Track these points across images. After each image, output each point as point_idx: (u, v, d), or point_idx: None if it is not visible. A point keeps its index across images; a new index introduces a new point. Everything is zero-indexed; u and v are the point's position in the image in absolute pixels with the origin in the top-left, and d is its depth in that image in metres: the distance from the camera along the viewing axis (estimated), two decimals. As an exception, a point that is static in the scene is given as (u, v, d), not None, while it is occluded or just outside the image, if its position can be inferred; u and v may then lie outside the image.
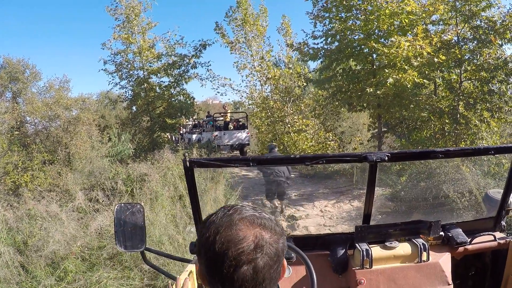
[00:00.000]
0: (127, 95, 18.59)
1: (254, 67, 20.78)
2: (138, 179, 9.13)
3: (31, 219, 7.50)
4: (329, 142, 17.21)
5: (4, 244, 6.58)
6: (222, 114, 21.79)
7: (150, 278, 6.16)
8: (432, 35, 12.85)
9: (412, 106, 13.11)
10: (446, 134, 13.19)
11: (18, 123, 18.13)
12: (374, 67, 13.95)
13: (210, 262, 1.13)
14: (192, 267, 2.49)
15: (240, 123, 20.90)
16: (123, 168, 10.66)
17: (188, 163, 2.30)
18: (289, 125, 18.38)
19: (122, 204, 2.70)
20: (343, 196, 11.68)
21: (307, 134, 17.87)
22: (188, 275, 2.40)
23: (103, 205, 7.51)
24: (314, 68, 20.07)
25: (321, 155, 2.40)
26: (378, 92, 12.62)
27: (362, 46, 13.73)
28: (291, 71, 19.69)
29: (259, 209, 1.21)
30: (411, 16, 12.57)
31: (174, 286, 2.08)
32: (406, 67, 12.29)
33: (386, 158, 2.21)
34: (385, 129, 15.57)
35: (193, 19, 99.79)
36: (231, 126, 20.22)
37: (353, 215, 10.21)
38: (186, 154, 2.55)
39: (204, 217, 2.47)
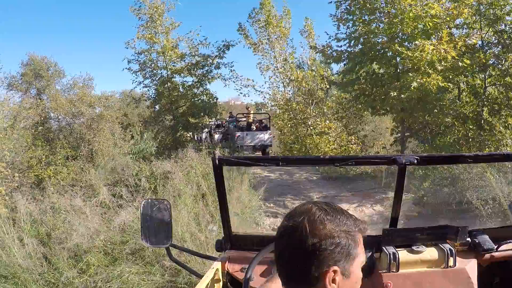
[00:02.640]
0: (150, 94, 18.68)
1: (277, 69, 20.73)
2: (162, 177, 9.16)
3: (55, 212, 7.58)
4: (351, 146, 17.03)
5: (28, 235, 6.65)
6: (245, 114, 21.71)
7: (171, 274, 6.15)
8: (456, 39, 12.61)
9: (436, 111, 12.96)
10: (470, 140, 12.94)
11: (42, 119, 18.36)
12: (398, 70, 13.77)
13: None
14: (218, 265, 2.48)
15: (263, 124, 20.80)
16: (146, 165, 10.70)
17: (217, 160, 2.30)
18: (311, 128, 18.27)
19: (149, 200, 2.71)
20: (365, 200, 11.52)
21: (329, 137, 17.73)
22: (214, 272, 2.41)
23: (126, 201, 7.53)
24: (337, 71, 19.95)
25: (350, 156, 2.39)
26: (402, 96, 12.49)
27: (386, 49, 13.57)
28: (314, 73, 19.59)
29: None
30: (435, 20, 12.38)
31: (200, 284, 2.09)
32: (430, 71, 12.10)
33: (416, 161, 2.18)
34: (408, 134, 15.34)
35: (216, 19, 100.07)
36: (253, 127, 20.13)
37: (375, 219, 10.08)
38: (216, 152, 2.54)
39: (230, 215, 2.62)
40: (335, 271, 1.13)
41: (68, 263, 6.15)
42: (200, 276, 2.61)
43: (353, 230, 1.19)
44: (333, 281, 1.13)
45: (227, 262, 2.55)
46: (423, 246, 2.39)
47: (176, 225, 6.75)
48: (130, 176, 9.27)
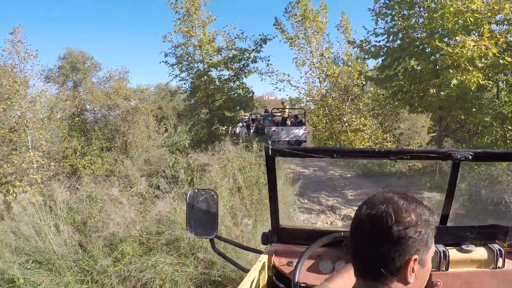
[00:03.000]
0: (186, 87, 18.71)
1: (313, 64, 20.53)
2: (199, 169, 9.11)
3: (91, 201, 7.60)
4: (386, 144, 16.71)
5: (64, 223, 6.67)
6: (280, 109, 21.62)
7: (205, 266, 6.11)
8: (497, 35, 12.16)
9: (474, 110, 12.60)
10: (508, 141, 12.54)
11: (79, 110, 18.65)
12: (437, 67, 13.42)
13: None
14: (264, 258, 2.40)
15: (298, 119, 20.63)
16: (183, 157, 10.68)
17: (270, 151, 2.27)
18: (346, 124, 18.02)
19: (196, 190, 2.67)
20: None
21: (364, 134, 17.50)
22: (261, 266, 2.34)
23: (162, 192, 7.49)
24: (374, 66, 19.63)
25: (405, 150, 2.32)
26: (442, 93, 12.18)
27: (425, 45, 13.27)
28: (350, 69, 19.32)
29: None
30: (476, 15, 12.02)
31: (248, 277, 2.06)
32: (470, 68, 11.73)
33: (470, 157, 2.11)
34: (445, 133, 14.94)
35: (251, 13, 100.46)
36: (288, 122, 20.01)
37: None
38: (270, 142, 2.49)
39: (280, 207, 2.55)
40: (415, 260, 1.13)
41: (103, 251, 6.16)
42: (243, 269, 2.65)
43: (430, 220, 1.18)
44: (413, 270, 1.13)
45: (273, 255, 2.47)
46: (473, 246, 2.33)
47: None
48: (166, 167, 9.23)
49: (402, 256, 1.11)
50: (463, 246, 2.30)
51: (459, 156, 2.10)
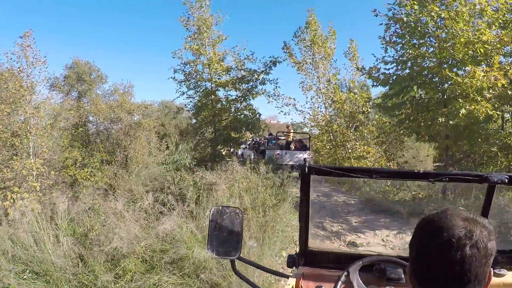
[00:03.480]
0: (192, 105, 18.59)
1: (320, 89, 20.51)
2: (205, 187, 8.94)
3: (93, 214, 7.42)
4: (389, 172, 16.56)
5: (64, 234, 6.48)
6: (285, 133, 21.57)
7: None
8: (506, 67, 12.14)
9: (480, 140, 12.60)
10: (513, 171, 12.39)
11: (82, 121, 18.54)
12: (445, 96, 13.37)
13: (421, 249, 1.19)
14: (292, 282, 2.33)
15: (303, 144, 20.56)
16: (189, 175, 10.53)
17: (306, 168, 2.26)
18: (350, 151, 17.90)
19: (220, 207, 2.60)
20: (405, 227, 11.13)
21: (367, 161, 17.37)
22: None
23: (168, 209, 7.30)
24: (375, 95, 19.67)
25: (444, 172, 2.36)
26: (451, 122, 12.09)
27: (434, 75, 13.23)
28: (356, 96, 19.31)
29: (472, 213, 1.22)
30: (486, 46, 11.94)
31: None
32: (479, 98, 11.67)
33: (506, 180, 2.12)
34: (451, 162, 14.84)
35: (261, 36, 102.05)
36: (292, 146, 19.94)
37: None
38: (306, 159, 2.54)
39: (310, 227, 2.52)
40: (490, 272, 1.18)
41: (105, 266, 5.94)
42: None
43: None
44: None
45: (301, 279, 2.37)
46: (505, 270, 2.33)
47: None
48: (171, 184, 9.07)
49: (488, 269, 1.16)
50: (495, 270, 2.26)
51: (495, 179, 2.11)
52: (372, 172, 2.31)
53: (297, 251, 2.63)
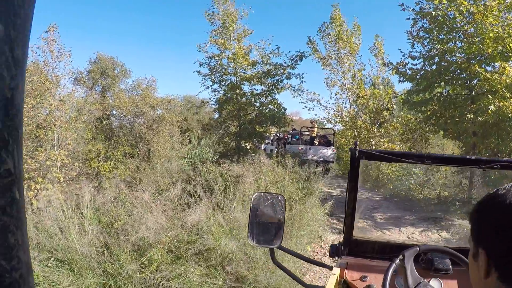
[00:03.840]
0: (217, 99, 18.48)
1: (345, 85, 20.25)
2: (232, 180, 8.83)
3: (119, 204, 7.35)
4: (414, 169, 16.24)
5: (89, 223, 6.41)
6: (309, 128, 21.39)
7: (233, 280, 5.83)
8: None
9: (509, 137, 12.43)
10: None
11: (105, 115, 18.61)
12: (472, 93, 13.13)
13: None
14: (337, 272, 2.28)
15: (327, 139, 20.37)
16: (215, 167, 10.45)
17: (357, 153, 2.27)
18: (374, 147, 17.59)
19: (262, 193, 2.56)
20: (430, 225, 10.95)
21: (390, 162, 17.02)
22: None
23: (195, 200, 7.20)
24: (399, 92, 19.29)
25: (496, 159, 2.25)
26: (480, 118, 11.80)
27: (462, 70, 12.99)
28: (381, 92, 18.99)
29: None
30: (516, 41, 11.59)
31: None
32: (508, 94, 11.33)
33: None
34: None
35: (285, 31, 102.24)
36: (316, 141, 19.76)
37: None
38: (357, 142, 2.45)
39: (356, 215, 2.51)
40: None
41: (131, 255, 5.84)
42: (302, 284, 2.47)
43: None
44: None
45: (346, 269, 2.34)
46: None
47: (245, 229, 6.37)
48: (197, 175, 8.98)
49: None
50: None
51: None
52: (424, 157, 2.25)
53: (340, 241, 2.59)
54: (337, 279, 2.21)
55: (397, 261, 2.02)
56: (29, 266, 0.47)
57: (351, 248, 2.50)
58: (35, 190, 10.18)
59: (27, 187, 10.31)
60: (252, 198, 2.42)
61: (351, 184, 2.37)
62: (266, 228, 2.38)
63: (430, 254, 2.20)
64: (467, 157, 2.32)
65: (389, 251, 2.25)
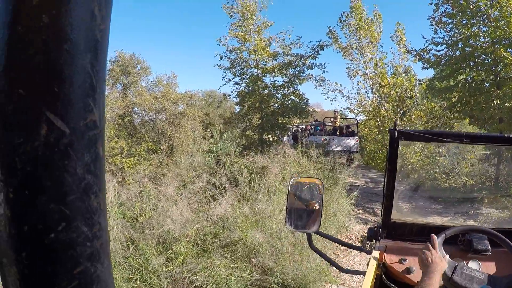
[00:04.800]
0: (239, 92, 18.46)
1: (367, 74, 20.02)
2: (257, 171, 8.77)
3: (144, 198, 7.34)
4: (438, 158, 15.95)
5: (114, 218, 6.40)
6: (332, 119, 21.29)
7: (260, 272, 5.79)
8: None
9: None
10: None
11: (127, 112, 18.72)
12: (498, 78, 12.84)
13: None
14: (376, 254, 2.29)
15: (350, 129, 20.24)
16: (240, 159, 10.42)
17: (396, 133, 2.27)
18: (398, 137, 17.35)
19: (299, 178, 2.58)
20: (457, 214, 10.76)
21: (415, 148, 16.75)
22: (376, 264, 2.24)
23: (220, 192, 7.15)
24: (426, 78, 19.00)
25: None
26: (506, 104, 11.51)
27: (487, 55, 12.76)
28: (404, 80, 18.72)
29: None
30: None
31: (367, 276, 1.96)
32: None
33: None
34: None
35: (305, 22, 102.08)
36: (338, 132, 19.67)
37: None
38: (396, 122, 2.50)
39: (395, 197, 2.50)
40: None
41: (156, 249, 5.82)
42: (340, 268, 2.54)
43: None
44: None
45: (384, 252, 2.33)
46: None
47: (271, 221, 6.32)
48: (222, 168, 8.95)
49: None
50: None
51: None
52: (462, 137, 2.24)
53: (379, 223, 2.57)
54: (376, 262, 2.20)
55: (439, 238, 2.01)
56: (107, 235, 0.45)
57: (389, 231, 2.51)
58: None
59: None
60: (290, 183, 2.42)
61: (390, 166, 2.36)
62: (304, 213, 2.39)
63: (469, 235, 2.17)
64: (506, 135, 2.27)
65: (428, 233, 2.15)
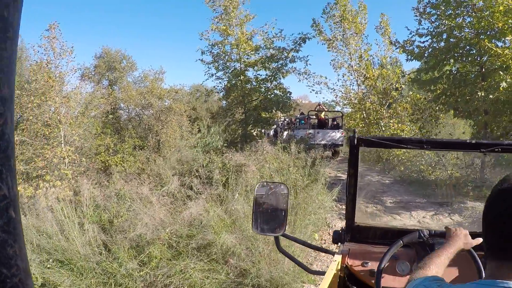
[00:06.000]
0: (222, 86, 18.40)
1: (352, 66, 19.95)
2: (234, 169, 8.72)
3: (120, 199, 7.28)
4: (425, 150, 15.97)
5: (89, 221, 6.35)
6: (317, 111, 21.23)
7: (237, 274, 5.75)
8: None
9: None
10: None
11: (113, 109, 18.63)
12: (483, 69, 12.82)
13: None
14: (339, 258, 2.35)
15: (335, 122, 20.23)
16: (218, 157, 10.36)
17: (356, 140, 2.30)
18: (383, 129, 17.36)
19: (265, 183, 2.67)
20: (442, 208, 10.75)
21: (401, 139, 16.78)
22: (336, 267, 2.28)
23: (195, 192, 7.10)
24: (408, 71, 18.95)
25: (497, 142, 2.24)
26: (491, 96, 11.52)
27: (471, 46, 12.74)
28: (389, 72, 18.67)
29: None
30: (527, 15, 11.31)
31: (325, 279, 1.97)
32: (520, 70, 11.09)
33: None
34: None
35: (289, 13, 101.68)
36: (326, 125, 19.65)
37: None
38: (356, 130, 2.48)
39: (357, 202, 2.54)
40: None
41: (129, 253, 5.80)
42: (308, 270, 2.63)
43: None
44: None
45: (347, 255, 2.38)
46: None
47: (247, 221, 6.28)
48: (200, 167, 8.89)
49: None
50: None
51: None
52: (423, 143, 2.29)
53: (343, 227, 2.62)
54: (339, 265, 2.26)
55: (395, 246, 2.05)
56: (27, 271, 0.51)
57: (353, 235, 2.55)
58: (44, 189, 10.20)
59: (36, 185, 10.34)
60: (256, 188, 2.49)
61: (351, 171, 2.42)
62: (270, 217, 2.45)
63: (431, 239, 2.17)
64: (467, 141, 2.31)
65: (391, 236, 2.28)
